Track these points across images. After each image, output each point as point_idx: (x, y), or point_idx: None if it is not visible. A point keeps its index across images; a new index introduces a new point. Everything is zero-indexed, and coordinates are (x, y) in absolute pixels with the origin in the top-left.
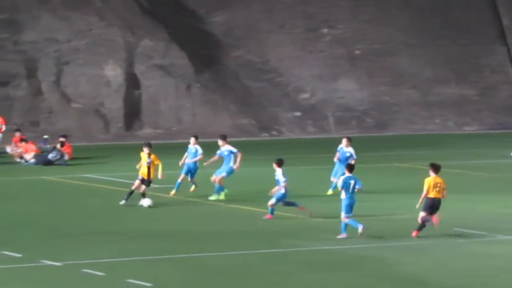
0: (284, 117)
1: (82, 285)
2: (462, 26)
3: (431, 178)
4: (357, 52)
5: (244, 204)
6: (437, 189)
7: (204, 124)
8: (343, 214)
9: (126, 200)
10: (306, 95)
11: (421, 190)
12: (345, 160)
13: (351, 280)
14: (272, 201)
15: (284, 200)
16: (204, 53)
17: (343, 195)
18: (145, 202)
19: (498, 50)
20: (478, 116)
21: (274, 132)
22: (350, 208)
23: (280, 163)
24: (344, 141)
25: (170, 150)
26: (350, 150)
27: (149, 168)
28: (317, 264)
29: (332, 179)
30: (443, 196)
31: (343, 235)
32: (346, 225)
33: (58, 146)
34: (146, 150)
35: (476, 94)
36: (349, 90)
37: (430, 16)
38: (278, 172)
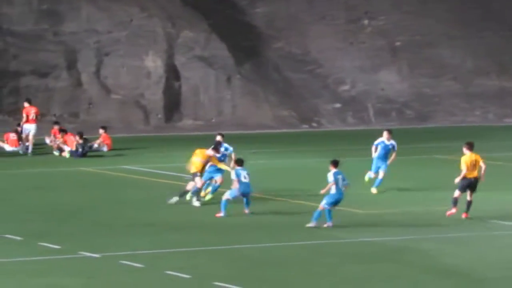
0: (325, 109)
1: (120, 277)
2: (503, 17)
3: (467, 156)
4: (398, 43)
5: (281, 196)
6: (475, 167)
7: (244, 115)
8: (323, 202)
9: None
10: (346, 87)
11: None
12: (387, 153)
13: (393, 272)
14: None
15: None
16: (244, 44)
17: (333, 190)
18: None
19: None
20: None
21: (314, 124)
22: (335, 202)
23: (335, 164)
24: (385, 133)
25: (211, 142)
26: (392, 142)
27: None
28: (358, 256)
29: (371, 174)
30: (481, 172)
31: (313, 224)
32: (320, 213)
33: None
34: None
35: None
36: (389, 81)
37: (471, 8)
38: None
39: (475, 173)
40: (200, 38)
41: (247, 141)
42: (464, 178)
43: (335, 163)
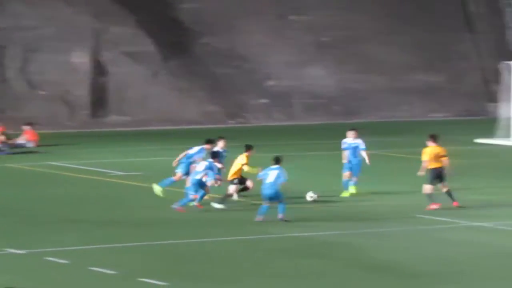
0: (251, 104)
1: (45, 273)
2: (430, 13)
3: (431, 148)
4: (325, 39)
5: (212, 191)
6: (438, 159)
7: (171, 111)
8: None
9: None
10: (273, 82)
11: (389, 176)
12: (354, 153)
13: (322, 267)
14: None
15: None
16: (171, 40)
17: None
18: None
19: (465, 37)
20: (445, 103)
21: (241, 119)
22: (265, 198)
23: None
24: (350, 133)
25: (137, 138)
26: (357, 141)
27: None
28: (288, 251)
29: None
30: (445, 165)
31: (259, 218)
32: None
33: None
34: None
35: (443, 81)
36: (317, 77)
37: (398, 3)
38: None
39: (439, 164)
40: (127, 34)
41: (174, 137)
42: (430, 170)
43: (275, 160)
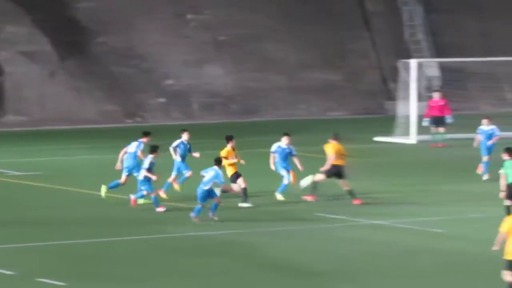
0: (150, 104)
1: None
2: (327, 12)
3: (335, 145)
4: (223, 38)
5: (112, 191)
6: (341, 156)
7: (68, 111)
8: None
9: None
10: (171, 81)
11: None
12: (285, 157)
13: (224, 266)
14: None
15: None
16: (68, 39)
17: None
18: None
19: (363, 36)
20: (344, 101)
21: (139, 119)
22: (198, 198)
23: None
24: (284, 138)
25: (35, 137)
26: (290, 147)
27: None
28: (190, 250)
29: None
30: (345, 163)
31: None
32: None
33: None
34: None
35: (341, 80)
36: (215, 76)
37: (295, 2)
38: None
39: (340, 162)
40: (23, 33)
41: (71, 137)
42: (333, 165)
43: (215, 160)
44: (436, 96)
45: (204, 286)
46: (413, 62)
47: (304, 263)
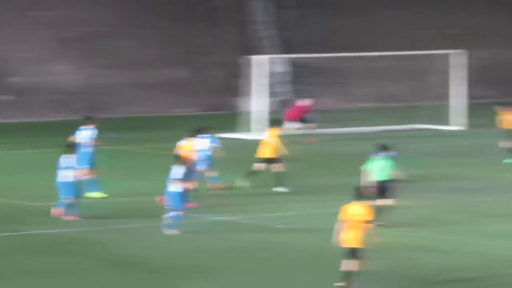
0: None
1: None
2: (174, 7)
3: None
4: (69, 34)
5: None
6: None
7: None
8: None
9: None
10: (17, 79)
11: (135, 171)
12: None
13: (73, 264)
14: None
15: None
16: None
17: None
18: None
19: (208, 32)
20: (189, 97)
21: None
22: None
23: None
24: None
25: None
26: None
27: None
28: (36, 248)
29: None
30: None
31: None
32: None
33: None
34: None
35: (187, 76)
36: (60, 73)
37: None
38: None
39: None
40: None
41: None
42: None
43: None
44: (301, 101)
45: (52, 285)
46: (255, 58)
47: (155, 259)
